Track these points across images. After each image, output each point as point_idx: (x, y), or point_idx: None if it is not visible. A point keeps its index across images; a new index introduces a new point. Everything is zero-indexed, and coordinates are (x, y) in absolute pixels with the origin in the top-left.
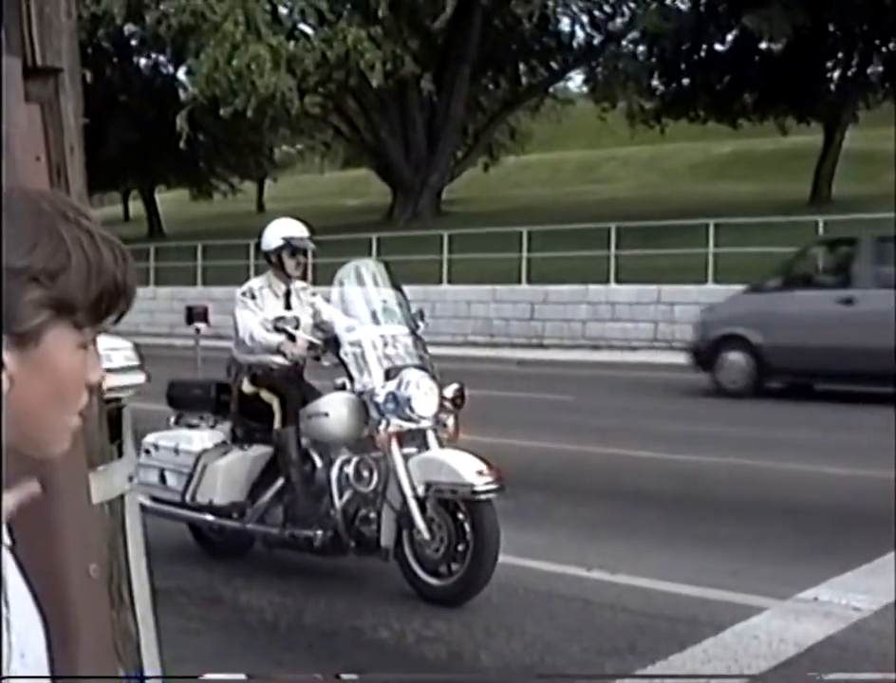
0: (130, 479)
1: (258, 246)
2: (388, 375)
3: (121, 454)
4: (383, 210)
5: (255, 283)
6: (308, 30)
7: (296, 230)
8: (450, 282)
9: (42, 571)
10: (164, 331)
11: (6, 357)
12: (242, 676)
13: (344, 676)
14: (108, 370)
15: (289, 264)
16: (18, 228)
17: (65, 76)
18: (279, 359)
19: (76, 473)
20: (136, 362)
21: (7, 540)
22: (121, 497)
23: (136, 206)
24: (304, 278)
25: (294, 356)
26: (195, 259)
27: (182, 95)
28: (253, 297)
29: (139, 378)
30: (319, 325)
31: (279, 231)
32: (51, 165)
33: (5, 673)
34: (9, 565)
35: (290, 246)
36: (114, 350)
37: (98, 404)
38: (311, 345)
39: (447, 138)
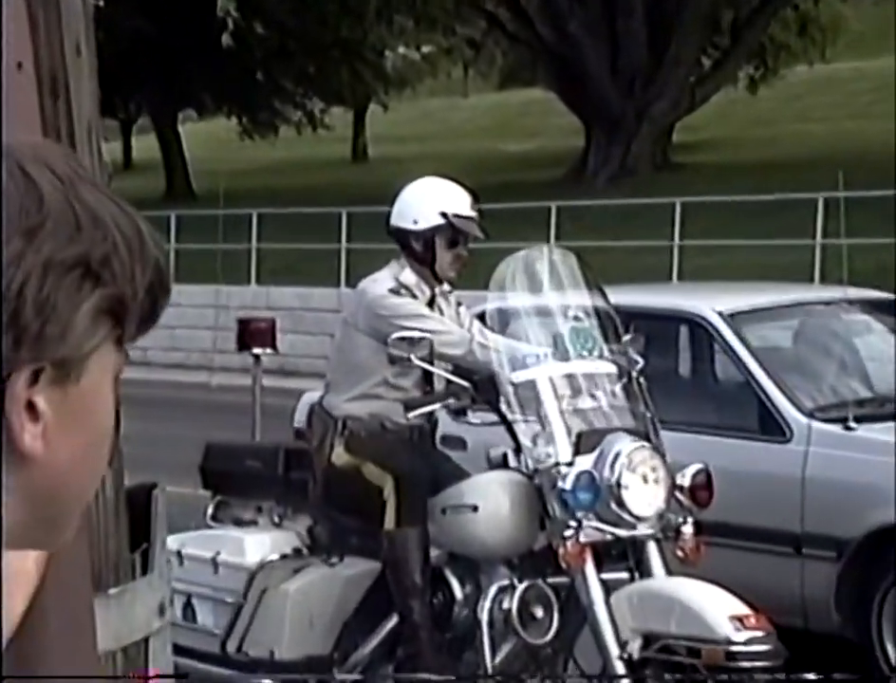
0: (161, 611)
1: (387, 220)
2: (581, 443)
3: (145, 569)
4: (570, 160)
5: (391, 277)
6: None
7: (462, 202)
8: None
9: None
10: (194, 361)
11: (40, 401)
12: None
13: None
14: None
15: (446, 257)
16: (39, 205)
17: None
18: (397, 413)
19: (75, 600)
20: None
21: None
22: (145, 641)
23: (145, 144)
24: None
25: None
26: (247, 238)
27: None
28: (415, 296)
29: None
30: (465, 356)
31: (435, 202)
32: (41, 77)
33: None
34: None
35: (453, 228)
36: None
37: (113, 489)
38: (451, 390)
39: (684, 35)
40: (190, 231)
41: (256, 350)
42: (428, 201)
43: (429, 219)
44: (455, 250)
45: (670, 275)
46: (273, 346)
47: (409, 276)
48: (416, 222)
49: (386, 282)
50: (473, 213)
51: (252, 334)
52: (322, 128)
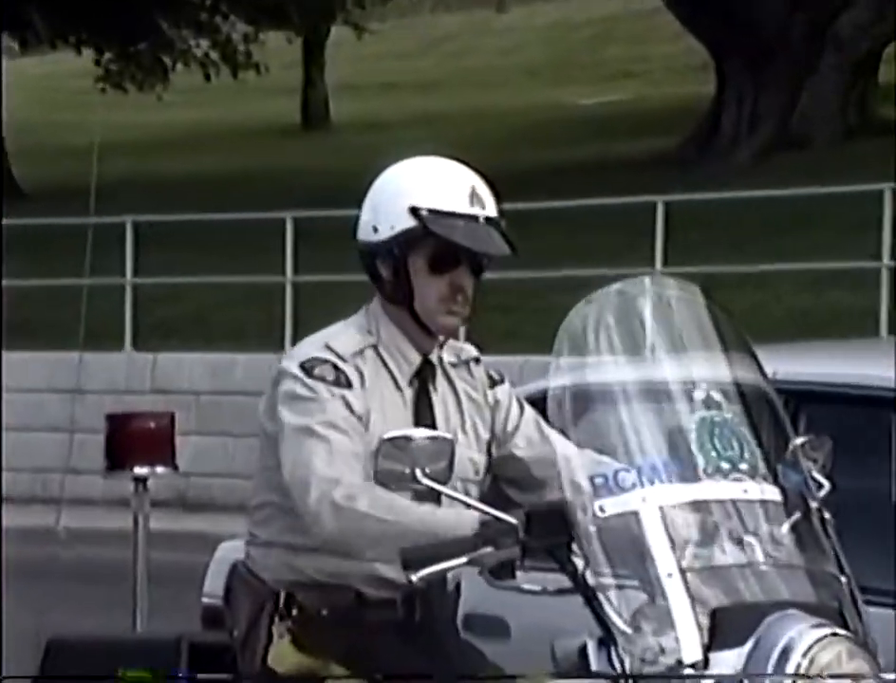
0: None
1: (362, 234)
2: (720, 628)
3: None
4: (690, 119)
5: (344, 342)
6: None
7: (452, 188)
8: None
9: None
10: (23, 490)
11: None
12: None
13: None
14: None
15: (430, 290)
16: None
17: None
18: (387, 575)
19: None
20: None
21: None
22: None
23: None
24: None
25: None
26: (117, 266)
27: None
28: (349, 384)
29: None
30: (513, 479)
31: (402, 192)
32: None
33: None
34: None
35: (430, 235)
36: None
37: None
38: (484, 531)
39: None
40: (16, 254)
41: (140, 469)
42: (393, 192)
43: (392, 220)
44: (444, 278)
45: (876, 324)
46: (172, 462)
47: (352, 340)
48: (375, 230)
49: (312, 347)
50: (475, 212)
51: (131, 440)
52: (248, 70)
